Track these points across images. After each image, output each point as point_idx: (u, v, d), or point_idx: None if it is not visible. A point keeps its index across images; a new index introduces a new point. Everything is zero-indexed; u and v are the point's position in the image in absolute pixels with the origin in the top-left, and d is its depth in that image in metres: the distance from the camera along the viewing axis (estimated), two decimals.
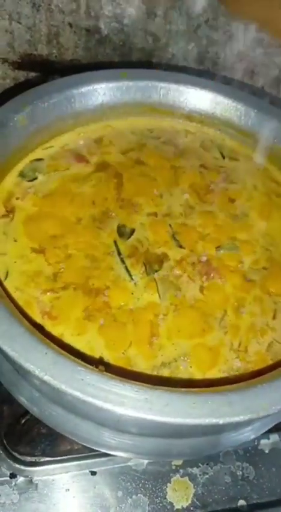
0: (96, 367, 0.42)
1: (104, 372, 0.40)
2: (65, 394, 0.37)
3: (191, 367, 0.48)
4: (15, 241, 0.54)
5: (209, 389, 0.41)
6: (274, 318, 0.53)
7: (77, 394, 0.37)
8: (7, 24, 0.71)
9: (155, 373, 0.47)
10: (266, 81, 0.84)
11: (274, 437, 0.59)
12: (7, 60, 0.76)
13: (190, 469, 0.56)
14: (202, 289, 0.53)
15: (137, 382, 0.39)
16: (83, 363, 0.40)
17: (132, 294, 0.51)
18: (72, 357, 0.41)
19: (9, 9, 0.70)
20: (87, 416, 0.44)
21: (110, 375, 0.40)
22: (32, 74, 0.78)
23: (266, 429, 0.54)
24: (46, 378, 0.38)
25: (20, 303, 0.49)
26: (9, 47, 0.74)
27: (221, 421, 0.37)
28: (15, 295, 0.50)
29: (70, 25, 0.73)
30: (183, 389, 0.41)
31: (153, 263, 0.54)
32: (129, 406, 0.37)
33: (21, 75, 0.78)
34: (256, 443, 0.58)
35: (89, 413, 0.43)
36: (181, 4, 0.72)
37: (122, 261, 0.54)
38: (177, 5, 0.72)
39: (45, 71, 0.77)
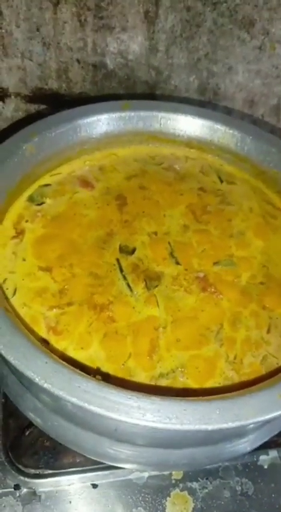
0: (94, 376, 0.44)
1: (101, 381, 0.42)
2: (64, 401, 0.40)
3: (187, 378, 0.50)
4: (24, 260, 0.57)
5: (200, 398, 0.42)
6: (268, 332, 0.54)
7: (74, 400, 0.39)
8: (19, 61, 0.76)
9: (153, 383, 0.49)
10: (265, 110, 0.87)
11: (273, 453, 0.59)
12: (19, 94, 0.80)
13: (189, 483, 0.56)
14: (199, 303, 0.55)
15: (132, 391, 0.41)
16: (81, 372, 0.43)
17: (134, 308, 0.54)
18: (71, 367, 0.43)
19: (22, 47, 0.74)
20: (87, 426, 0.46)
21: (105, 383, 0.42)
22: (43, 107, 0.82)
23: (263, 441, 0.55)
24: (46, 385, 0.40)
25: (27, 318, 0.52)
26: (21, 83, 0.78)
27: (210, 427, 0.38)
28: (23, 311, 0.52)
29: (78, 61, 0.77)
30: (176, 397, 0.42)
31: (153, 279, 0.56)
32: (123, 412, 0.39)
33: (33, 108, 0.82)
34: (255, 459, 0.59)
35: (88, 423, 0.45)
36: (182, 40, 0.76)
37: (124, 278, 0.56)
38: (178, 40, 0.76)
39: (55, 103, 0.81)
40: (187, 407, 0.39)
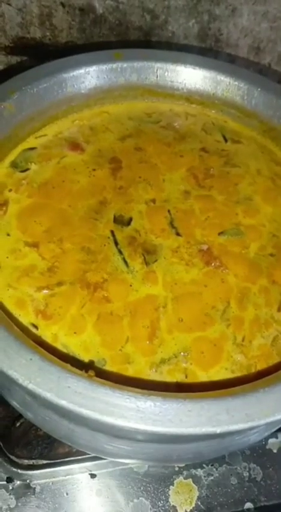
0: (86, 371, 0.39)
1: (94, 378, 0.38)
2: (51, 403, 0.35)
3: (191, 364, 0.46)
4: (8, 235, 0.52)
5: (207, 393, 0.38)
6: (279, 309, 0.50)
7: (63, 403, 0.35)
8: None
9: (153, 370, 0.45)
10: (273, 58, 0.81)
11: None
12: None
13: (193, 471, 0.54)
14: (202, 279, 0.51)
15: (130, 388, 0.37)
16: (71, 368, 0.38)
17: (131, 286, 0.50)
18: (60, 362, 0.39)
19: None
20: (81, 423, 0.42)
21: (99, 380, 0.38)
22: (26, 59, 0.75)
23: (275, 429, 0.52)
24: (31, 386, 0.35)
25: (13, 301, 0.48)
26: (0, 31, 0.71)
27: (218, 430, 0.34)
28: (8, 293, 0.48)
29: (62, 5, 0.70)
30: (179, 394, 0.38)
31: (151, 253, 0.52)
32: (119, 416, 0.35)
33: (14, 60, 0.75)
34: (263, 442, 0.56)
35: (82, 420, 0.41)
36: None
37: (120, 252, 0.52)
38: None
39: (39, 54, 0.75)
40: (192, 407, 0.35)
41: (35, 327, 0.46)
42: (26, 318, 0.47)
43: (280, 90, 0.62)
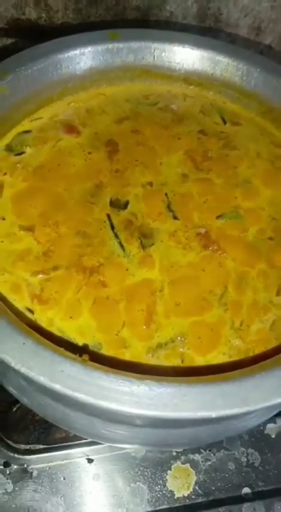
0: (80, 355, 0.39)
1: (88, 362, 0.37)
2: (45, 387, 0.35)
3: (188, 348, 0.45)
4: (3, 219, 0.51)
5: (203, 378, 0.38)
6: (278, 294, 0.50)
7: (57, 387, 0.34)
8: None
9: (150, 355, 0.45)
10: (274, 38, 0.79)
11: None
12: None
13: (191, 456, 0.54)
14: (200, 263, 0.50)
15: (124, 372, 0.37)
16: (65, 352, 0.38)
17: (127, 270, 0.49)
18: (54, 346, 0.38)
19: None
20: (77, 408, 0.42)
21: (93, 364, 0.37)
22: (21, 40, 0.73)
23: (273, 414, 0.51)
24: (23, 370, 0.35)
25: (8, 286, 0.47)
26: None
27: (214, 415, 0.34)
28: (3, 277, 0.48)
29: None
30: (175, 378, 0.37)
31: (148, 237, 0.52)
32: (114, 400, 0.34)
33: (9, 42, 0.73)
34: (261, 427, 0.56)
35: (78, 405, 0.41)
36: None
37: (116, 236, 0.51)
38: None
39: (34, 36, 0.72)
40: (187, 392, 0.35)
41: (31, 311, 0.46)
42: (21, 302, 0.46)
43: (279, 70, 0.61)
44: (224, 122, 0.63)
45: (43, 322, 0.45)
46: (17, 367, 0.35)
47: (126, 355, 0.44)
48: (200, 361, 0.45)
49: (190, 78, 0.65)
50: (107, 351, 0.44)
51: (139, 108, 0.63)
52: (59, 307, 0.46)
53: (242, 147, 0.60)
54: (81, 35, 0.61)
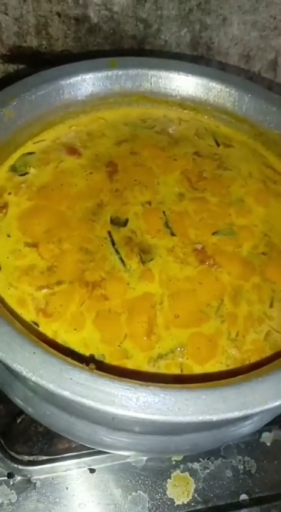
0: (87, 365, 0.41)
1: (94, 370, 0.39)
2: (54, 394, 0.36)
3: (187, 358, 0.47)
4: (9, 236, 0.53)
5: (203, 384, 0.40)
6: (271, 306, 0.52)
7: (66, 393, 0.36)
8: None
9: (151, 365, 0.46)
10: (262, 65, 0.82)
11: (276, 429, 0.58)
12: None
13: (190, 464, 0.55)
14: (197, 277, 0.52)
15: (129, 380, 0.38)
16: (72, 361, 0.39)
17: (128, 284, 0.51)
18: (62, 356, 0.40)
19: None
20: (82, 415, 0.43)
21: (100, 372, 0.39)
22: (23, 67, 0.76)
23: (268, 421, 0.53)
24: (34, 378, 0.37)
25: (14, 300, 0.48)
26: None
27: (214, 418, 0.36)
28: (9, 292, 0.49)
29: (58, 14, 0.71)
30: (176, 385, 0.39)
31: (147, 252, 0.53)
32: (120, 405, 0.36)
33: (11, 68, 0.76)
34: (257, 436, 0.57)
35: (82, 412, 0.42)
36: None
37: (117, 252, 0.53)
38: None
39: (35, 62, 0.75)
40: (189, 397, 0.36)
41: (36, 324, 0.47)
42: (27, 316, 0.47)
43: (269, 96, 0.64)
44: (218, 144, 0.65)
45: (48, 335, 0.46)
46: (29, 375, 0.37)
47: (129, 365, 0.46)
48: (198, 370, 0.47)
49: (185, 103, 0.67)
50: (110, 361, 0.46)
51: (137, 131, 0.65)
52: (63, 319, 0.48)
53: (235, 168, 0.62)
54: (82, 62, 0.63)
